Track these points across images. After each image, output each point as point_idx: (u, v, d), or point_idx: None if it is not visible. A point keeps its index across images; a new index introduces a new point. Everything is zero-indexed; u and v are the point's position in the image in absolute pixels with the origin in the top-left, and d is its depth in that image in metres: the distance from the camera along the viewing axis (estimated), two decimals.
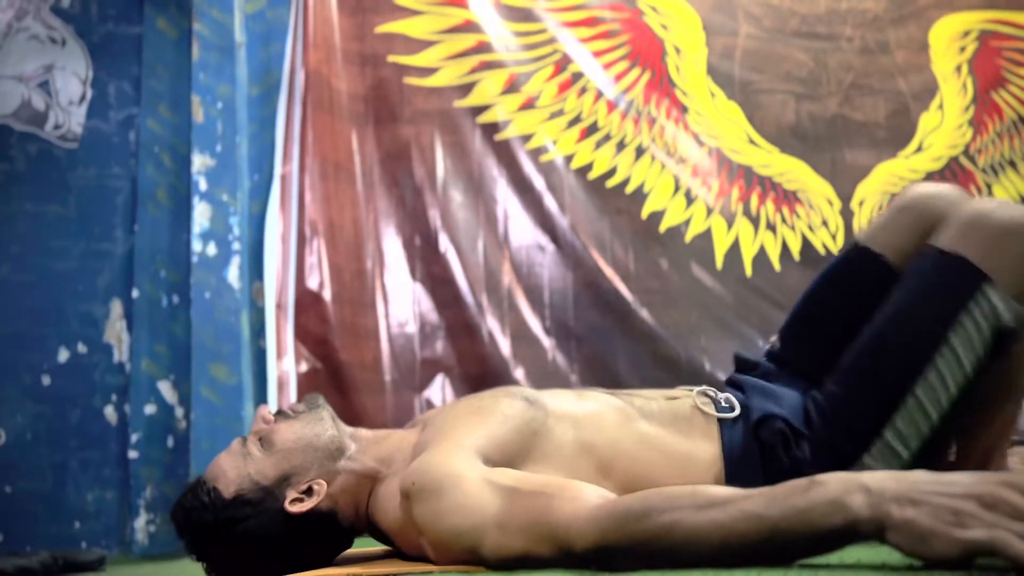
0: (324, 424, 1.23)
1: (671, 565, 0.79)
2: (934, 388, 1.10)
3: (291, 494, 1.17)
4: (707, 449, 1.17)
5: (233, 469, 1.19)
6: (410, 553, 1.12)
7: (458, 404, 1.23)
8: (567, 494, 0.89)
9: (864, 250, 1.26)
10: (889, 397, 1.12)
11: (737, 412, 1.21)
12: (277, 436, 1.20)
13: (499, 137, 3.02)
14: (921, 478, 0.70)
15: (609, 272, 2.97)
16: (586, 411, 1.19)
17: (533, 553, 0.89)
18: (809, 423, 1.17)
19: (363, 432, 1.28)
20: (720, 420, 1.20)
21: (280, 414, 1.25)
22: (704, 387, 1.27)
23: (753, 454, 1.17)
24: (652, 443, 1.17)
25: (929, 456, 1.13)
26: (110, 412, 2.66)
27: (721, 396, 1.25)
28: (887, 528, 0.68)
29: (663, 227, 3.08)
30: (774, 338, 1.36)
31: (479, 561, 0.94)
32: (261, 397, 2.59)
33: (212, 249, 2.67)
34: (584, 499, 0.87)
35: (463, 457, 1.02)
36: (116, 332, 2.70)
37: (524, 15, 3.12)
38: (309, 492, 1.17)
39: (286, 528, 1.16)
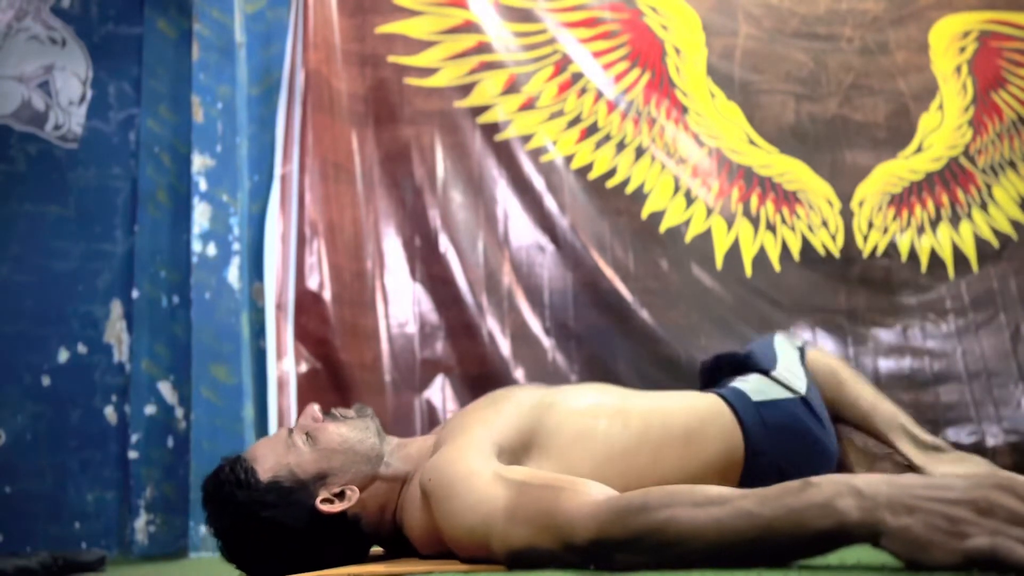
0: (368, 432, 1.26)
1: (668, 561, 0.79)
2: (784, 346, 1.57)
3: (323, 493, 1.19)
4: (693, 393, 1.42)
5: (274, 456, 1.21)
6: (431, 552, 1.14)
7: (476, 401, 1.28)
8: (574, 488, 0.90)
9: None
10: (768, 352, 1.54)
11: None
12: (322, 434, 1.23)
13: (499, 137, 3.02)
14: (914, 482, 0.70)
15: (609, 272, 2.97)
16: (594, 385, 1.37)
17: (538, 545, 0.90)
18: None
19: (392, 439, 1.30)
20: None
21: (328, 415, 1.27)
22: None
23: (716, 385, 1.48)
24: (655, 393, 1.38)
25: (815, 394, 1.49)
26: (110, 412, 2.66)
27: None
28: (881, 534, 0.68)
29: (663, 227, 3.08)
30: None
31: (492, 554, 0.95)
32: (261, 397, 2.59)
33: (212, 249, 2.68)
34: (589, 494, 0.89)
35: (476, 453, 1.05)
36: (116, 332, 2.71)
37: (524, 15, 3.12)
38: (341, 496, 1.19)
39: (309, 525, 1.18)
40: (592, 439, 1.22)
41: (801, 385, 1.44)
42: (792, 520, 0.72)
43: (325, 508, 1.17)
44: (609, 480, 0.98)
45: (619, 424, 1.25)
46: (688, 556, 0.78)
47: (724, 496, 0.78)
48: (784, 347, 1.57)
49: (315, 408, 1.27)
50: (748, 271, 3.11)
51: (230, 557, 1.22)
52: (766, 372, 1.45)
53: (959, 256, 3.27)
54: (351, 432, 1.24)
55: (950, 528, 0.66)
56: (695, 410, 1.33)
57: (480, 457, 1.04)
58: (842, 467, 1.58)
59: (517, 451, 1.13)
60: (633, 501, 0.83)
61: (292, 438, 1.23)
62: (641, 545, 0.80)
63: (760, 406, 1.36)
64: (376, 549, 1.32)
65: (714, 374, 1.55)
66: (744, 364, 1.49)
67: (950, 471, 1.42)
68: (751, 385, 1.42)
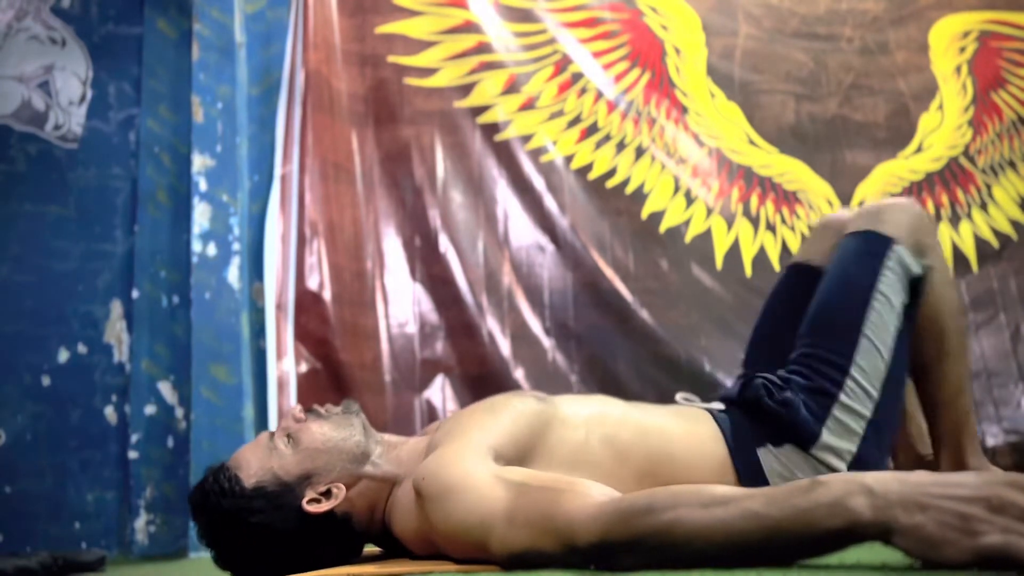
0: (353, 429, 1.24)
1: (673, 562, 0.78)
2: (878, 326, 1.29)
3: (310, 494, 1.18)
4: (706, 427, 1.27)
5: (257, 461, 1.20)
6: (423, 553, 1.13)
7: (472, 406, 1.25)
8: (574, 489, 0.89)
9: (796, 265, 1.54)
10: (846, 340, 1.29)
11: (722, 407, 1.34)
12: (305, 435, 1.22)
13: (499, 137, 3.02)
14: (925, 480, 0.70)
15: (609, 272, 2.97)
16: (596, 403, 1.28)
17: (538, 547, 0.89)
18: (787, 381, 1.30)
19: (387, 437, 1.29)
20: (710, 411, 1.32)
21: (312, 412, 1.26)
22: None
23: (743, 422, 1.28)
24: (659, 424, 1.25)
25: (894, 403, 1.31)
26: (110, 412, 2.66)
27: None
28: (893, 532, 0.68)
29: (663, 227, 3.08)
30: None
31: (489, 556, 0.94)
32: (261, 397, 2.59)
33: (212, 249, 2.67)
34: (590, 495, 0.88)
35: (473, 454, 1.03)
36: (116, 332, 2.70)
37: (524, 16, 3.12)
38: (328, 494, 1.18)
39: (299, 527, 1.17)
40: (591, 458, 1.18)
41: (850, 448, 1.24)
42: (801, 520, 0.72)
43: (312, 508, 1.16)
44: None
45: (613, 454, 1.19)
46: (694, 557, 0.77)
47: (730, 496, 0.77)
48: (888, 300, 1.29)
49: (296, 409, 1.26)
50: (748, 271, 3.11)
51: (224, 565, 1.22)
52: (805, 448, 1.24)
53: (959, 256, 3.28)
54: (334, 430, 1.23)
55: (962, 526, 0.65)
56: (705, 473, 1.21)
57: (477, 459, 1.02)
58: None
59: (512, 461, 1.10)
60: (637, 503, 0.82)
61: (273, 441, 1.21)
62: (646, 547, 0.80)
63: None
64: (373, 549, 1.32)
65: (754, 400, 1.30)
66: (791, 425, 1.25)
67: None
68: (777, 461, 1.24)
